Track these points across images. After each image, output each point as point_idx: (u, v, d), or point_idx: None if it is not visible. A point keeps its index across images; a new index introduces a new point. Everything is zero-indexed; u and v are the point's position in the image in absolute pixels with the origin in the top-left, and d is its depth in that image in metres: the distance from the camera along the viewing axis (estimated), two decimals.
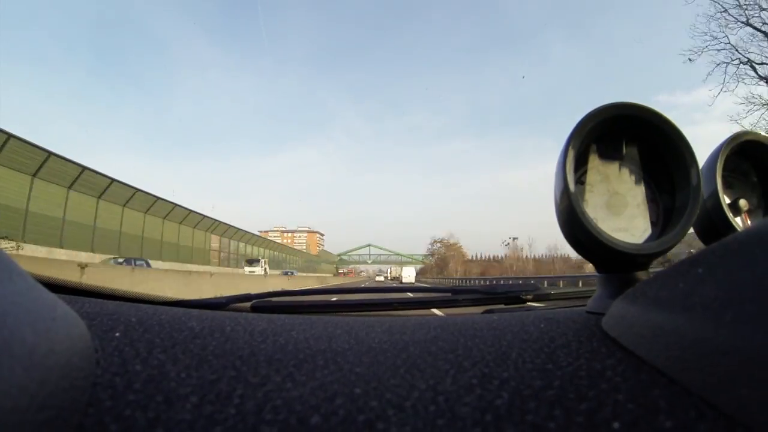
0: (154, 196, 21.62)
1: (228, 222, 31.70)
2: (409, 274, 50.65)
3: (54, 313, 0.21)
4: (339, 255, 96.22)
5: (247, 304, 0.64)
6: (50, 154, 14.50)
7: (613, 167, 0.44)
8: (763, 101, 13.08)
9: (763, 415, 0.16)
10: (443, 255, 77.29)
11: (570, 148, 0.39)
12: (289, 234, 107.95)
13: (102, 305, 0.40)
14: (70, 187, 16.03)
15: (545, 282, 19.77)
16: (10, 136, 12.88)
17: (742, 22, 12.83)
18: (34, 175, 14.30)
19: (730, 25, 13.07)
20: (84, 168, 16.36)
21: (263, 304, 0.65)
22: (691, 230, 0.43)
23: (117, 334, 0.31)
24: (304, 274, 34.80)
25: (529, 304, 0.73)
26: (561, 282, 20.27)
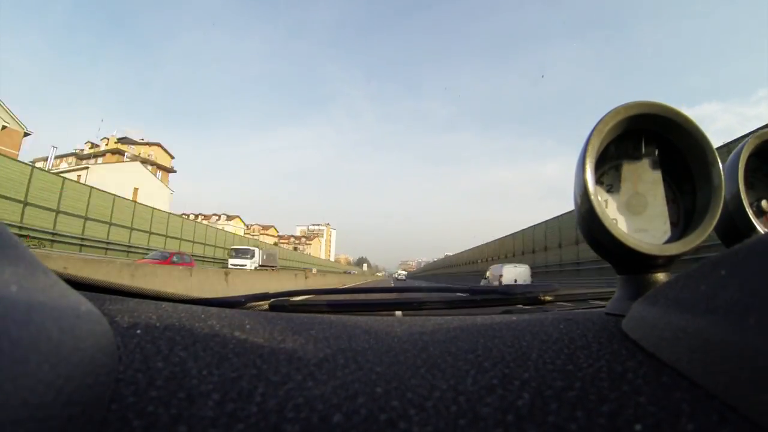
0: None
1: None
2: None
3: (78, 311, 0.21)
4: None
5: (265, 303, 0.64)
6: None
7: (633, 167, 0.44)
8: None
9: None
10: None
11: (590, 147, 0.39)
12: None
13: (122, 302, 0.41)
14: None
15: None
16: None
17: None
18: None
19: None
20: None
21: (281, 303, 0.66)
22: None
23: (138, 332, 0.31)
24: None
25: (547, 305, 0.72)
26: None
